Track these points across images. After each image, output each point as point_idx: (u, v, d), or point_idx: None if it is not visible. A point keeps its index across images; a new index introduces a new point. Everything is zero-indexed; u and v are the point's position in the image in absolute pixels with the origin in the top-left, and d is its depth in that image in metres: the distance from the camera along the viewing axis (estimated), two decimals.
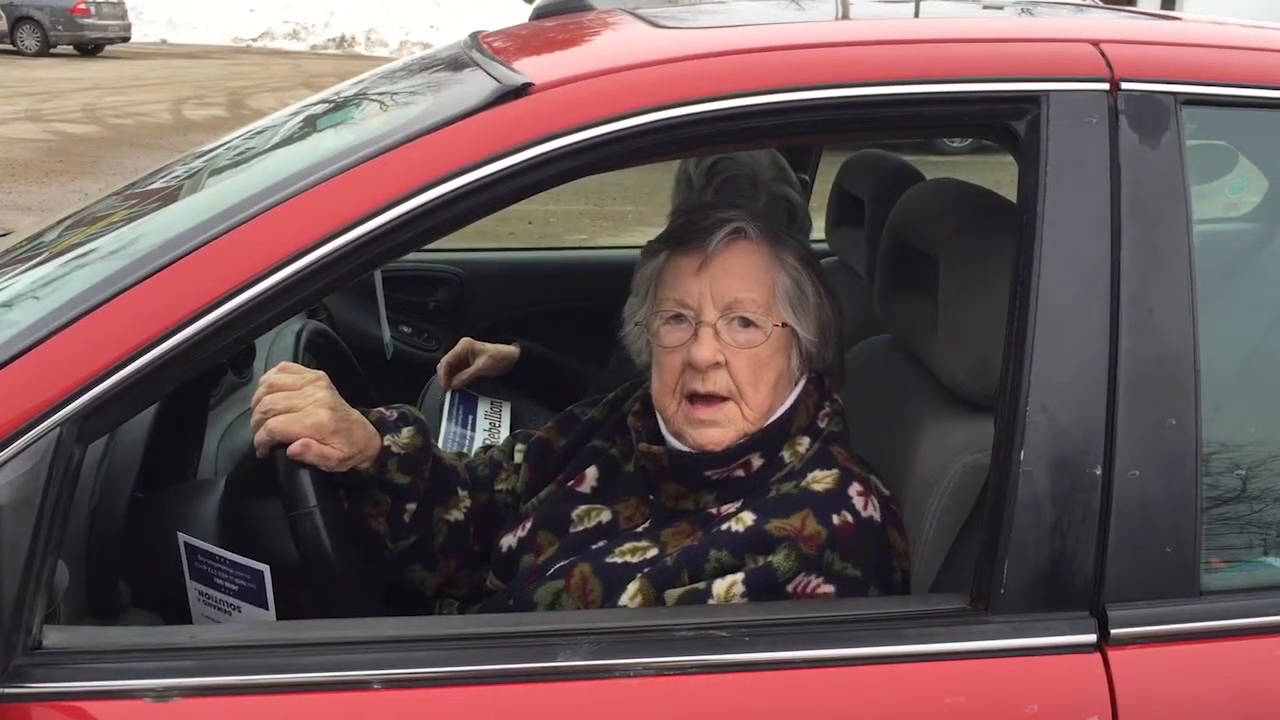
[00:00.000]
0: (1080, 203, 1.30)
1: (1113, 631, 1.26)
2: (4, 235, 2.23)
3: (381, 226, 1.25)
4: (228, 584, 1.50)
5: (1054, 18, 1.76)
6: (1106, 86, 1.33)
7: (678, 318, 1.55)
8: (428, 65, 1.92)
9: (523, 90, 1.32)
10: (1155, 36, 1.58)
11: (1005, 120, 1.35)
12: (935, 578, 1.48)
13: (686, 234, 1.58)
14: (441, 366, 2.47)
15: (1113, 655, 1.26)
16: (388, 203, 1.25)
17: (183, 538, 1.53)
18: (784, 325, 1.55)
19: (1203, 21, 1.74)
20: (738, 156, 2.39)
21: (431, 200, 1.26)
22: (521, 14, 2.51)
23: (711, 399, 1.52)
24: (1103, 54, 1.36)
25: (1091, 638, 1.26)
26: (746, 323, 1.53)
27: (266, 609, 1.47)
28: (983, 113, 1.38)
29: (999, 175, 2.19)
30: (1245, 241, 2.05)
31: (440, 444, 2.25)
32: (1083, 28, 1.54)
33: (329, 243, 1.24)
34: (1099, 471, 1.27)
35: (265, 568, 1.47)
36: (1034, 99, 1.33)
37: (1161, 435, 1.28)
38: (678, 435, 1.56)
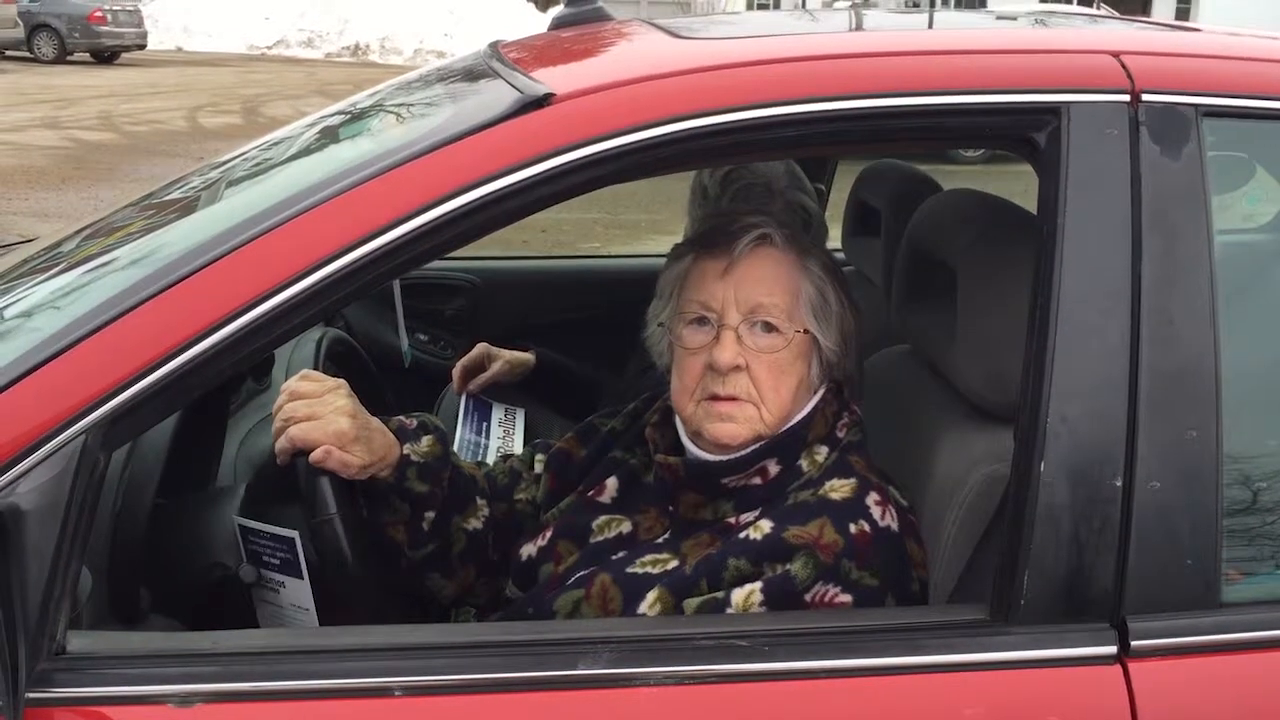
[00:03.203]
0: (1101, 214, 1.30)
1: (1133, 643, 1.26)
2: (29, 241, 2.24)
3: (405, 235, 1.26)
4: (272, 559, 1.53)
5: (1074, 29, 1.76)
6: (1127, 98, 1.33)
7: (701, 320, 1.56)
8: (445, 76, 1.92)
9: (544, 100, 1.32)
10: (1176, 48, 1.58)
11: (1026, 131, 1.35)
12: (954, 588, 1.48)
13: (713, 238, 1.59)
14: (456, 370, 2.47)
15: (1133, 667, 1.25)
16: (411, 212, 1.26)
17: (237, 520, 1.55)
18: (806, 332, 1.55)
19: (1223, 33, 1.74)
20: (753, 165, 2.39)
21: (455, 209, 1.26)
22: (536, 22, 2.52)
23: (732, 399, 1.53)
24: (1123, 65, 1.36)
25: (1112, 649, 1.26)
26: (769, 328, 1.54)
27: (301, 578, 1.49)
28: (1003, 124, 1.38)
29: (1012, 185, 2.19)
30: (1265, 252, 2.04)
31: (454, 449, 2.26)
32: (1103, 39, 1.54)
33: (353, 251, 1.24)
34: (1119, 483, 1.27)
35: (295, 533, 1.49)
36: (1054, 110, 1.33)
37: (1182, 447, 1.28)
38: (695, 435, 1.57)
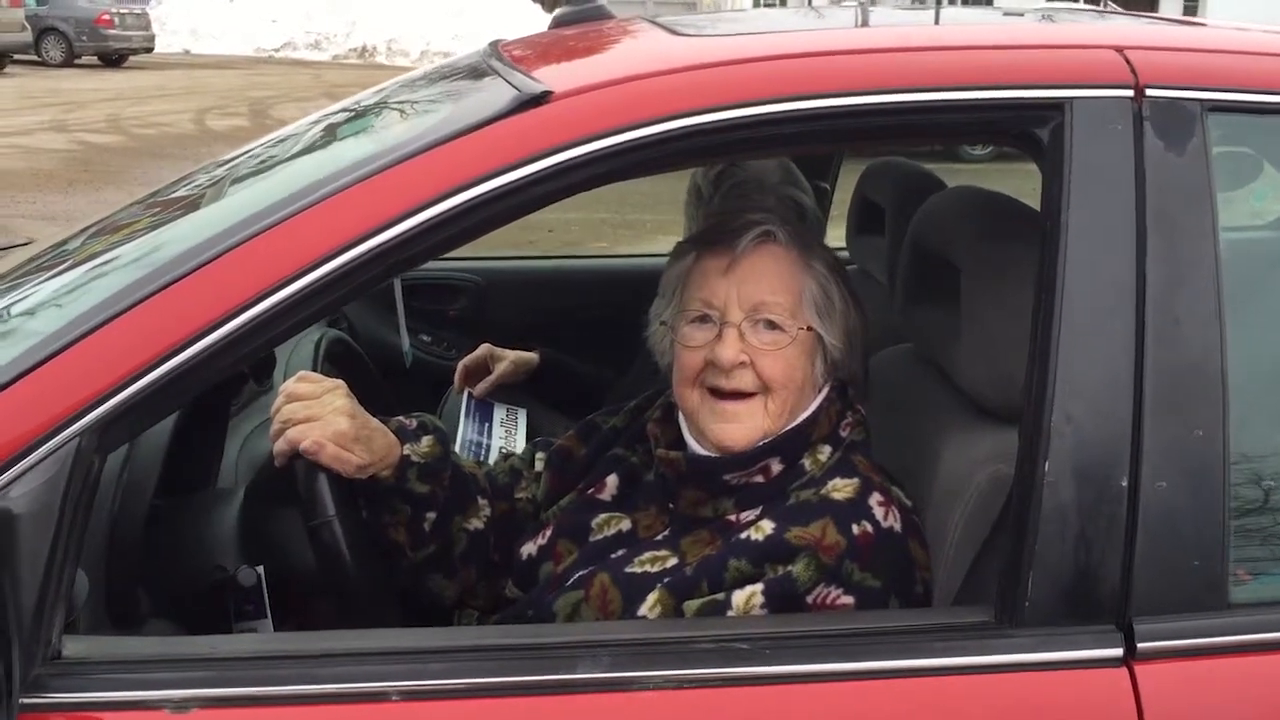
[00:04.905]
0: (1105, 210, 1.29)
1: (1139, 645, 1.24)
2: (26, 244, 2.24)
3: (401, 234, 1.25)
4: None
5: (1078, 23, 1.74)
6: (1131, 93, 1.32)
7: (703, 318, 1.54)
8: (447, 74, 1.92)
9: (542, 98, 1.31)
10: (1180, 42, 1.56)
11: (1029, 127, 1.34)
12: (958, 590, 1.46)
13: (715, 235, 1.58)
14: (459, 369, 2.47)
15: (1139, 669, 1.24)
16: (407, 210, 1.25)
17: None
18: (809, 330, 1.54)
19: (1228, 27, 1.73)
20: (745, 162, 2.38)
21: (451, 208, 1.25)
22: (542, 24, 2.51)
23: (737, 395, 1.52)
24: (1127, 60, 1.35)
25: (1118, 651, 1.25)
26: (771, 325, 1.52)
27: (266, 616, 1.50)
28: (1006, 119, 1.37)
29: (1020, 183, 2.17)
30: (1271, 249, 2.03)
31: (455, 449, 2.25)
32: (1107, 34, 1.53)
33: (350, 250, 1.24)
34: (1125, 483, 1.26)
35: (259, 569, 1.52)
36: (1058, 105, 1.31)
37: (1188, 446, 1.26)
38: (699, 432, 1.55)
